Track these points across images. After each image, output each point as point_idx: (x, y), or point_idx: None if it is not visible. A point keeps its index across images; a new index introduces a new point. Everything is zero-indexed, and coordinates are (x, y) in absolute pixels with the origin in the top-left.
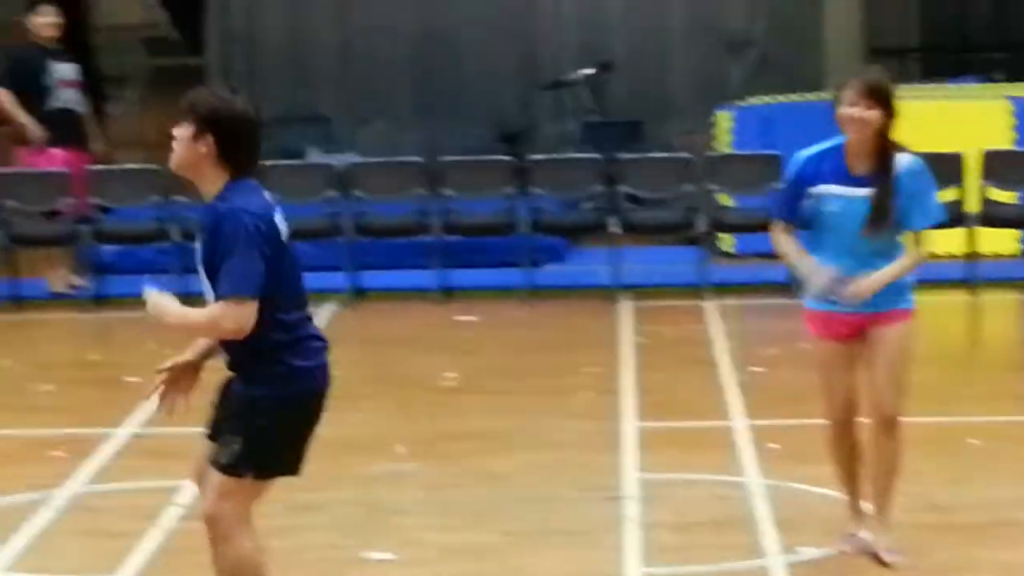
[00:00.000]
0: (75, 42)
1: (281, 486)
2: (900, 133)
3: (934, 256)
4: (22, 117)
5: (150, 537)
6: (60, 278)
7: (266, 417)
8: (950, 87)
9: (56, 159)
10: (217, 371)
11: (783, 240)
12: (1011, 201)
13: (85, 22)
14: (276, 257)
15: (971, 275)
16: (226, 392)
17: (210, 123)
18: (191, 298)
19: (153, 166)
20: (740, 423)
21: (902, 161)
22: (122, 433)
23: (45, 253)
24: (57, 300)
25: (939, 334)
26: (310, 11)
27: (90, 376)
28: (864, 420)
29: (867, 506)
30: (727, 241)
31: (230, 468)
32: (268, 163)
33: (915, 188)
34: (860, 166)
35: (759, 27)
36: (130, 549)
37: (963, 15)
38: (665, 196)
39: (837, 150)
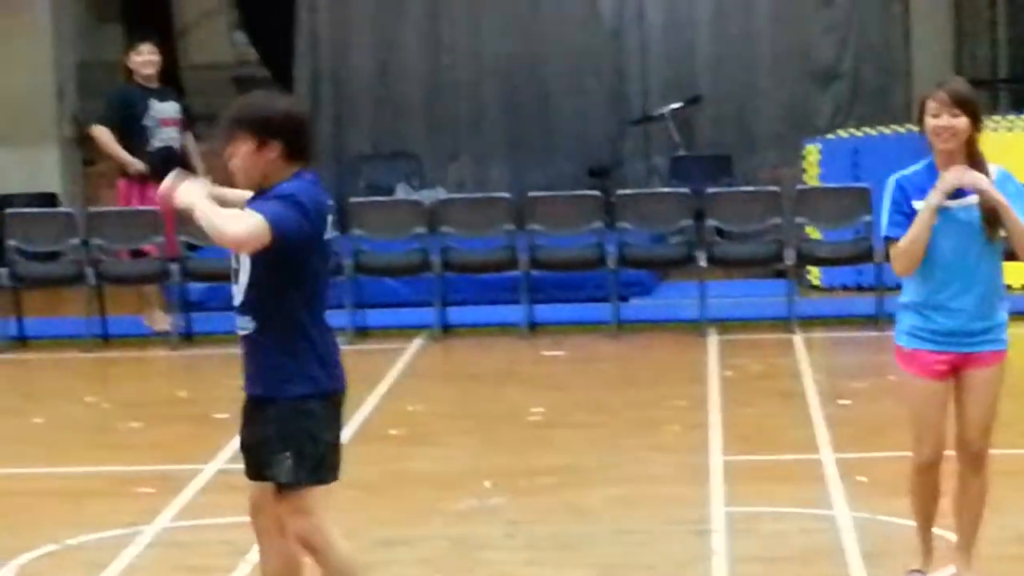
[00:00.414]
0: (165, 81)
1: (369, 522)
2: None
3: (1013, 288)
4: (120, 153)
5: (239, 572)
6: (159, 317)
7: (310, 418)
8: None
9: (154, 198)
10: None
11: (902, 247)
12: None
13: (175, 61)
14: (315, 249)
15: None
16: (254, 415)
17: (269, 130)
18: None
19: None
20: (827, 456)
21: (991, 169)
22: (210, 469)
23: (142, 291)
24: (145, 337)
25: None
26: (399, 49)
27: (178, 413)
28: (950, 454)
29: (946, 541)
30: (815, 274)
31: (291, 484)
32: (357, 200)
33: (1010, 192)
34: None
35: (847, 59)
36: None
37: None
38: (753, 229)
39: (929, 168)
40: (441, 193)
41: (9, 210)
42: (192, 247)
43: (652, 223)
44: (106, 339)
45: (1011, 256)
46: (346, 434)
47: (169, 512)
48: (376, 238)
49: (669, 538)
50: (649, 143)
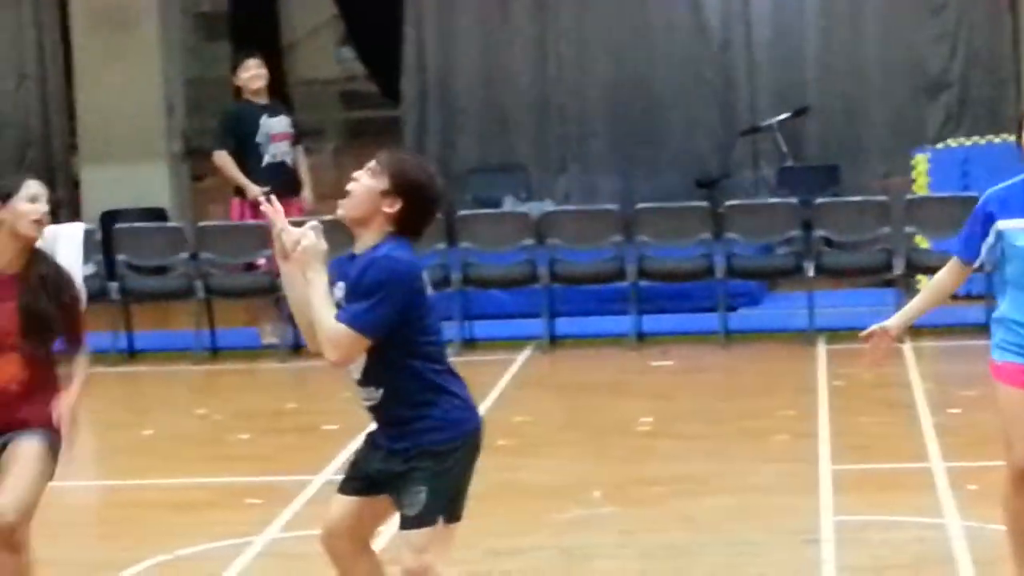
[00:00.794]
0: (274, 96)
1: (480, 532)
2: None
3: None
4: (239, 179)
5: None
6: (271, 331)
7: (452, 460)
8: None
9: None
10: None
11: (938, 277)
12: None
13: (283, 77)
14: (423, 310)
15: None
16: (382, 445)
17: (407, 190)
18: None
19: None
20: (937, 465)
21: None
22: (319, 480)
23: (255, 305)
24: (253, 350)
25: None
26: (505, 61)
27: (287, 424)
28: None
29: None
30: (924, 283)
31: (421, 519)
32: (465, 212)
33: None
34: None
35: (956, 68)
36: None
37: None
38: (861, 239)
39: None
40: (549, 205)
41: (118, 225)
42: None
43: (760, 234)
44: (215, 352)
45: None
46: None
47: (278, 523)
48: (484, 250)
49: (778, 547)
50: (757, 154)
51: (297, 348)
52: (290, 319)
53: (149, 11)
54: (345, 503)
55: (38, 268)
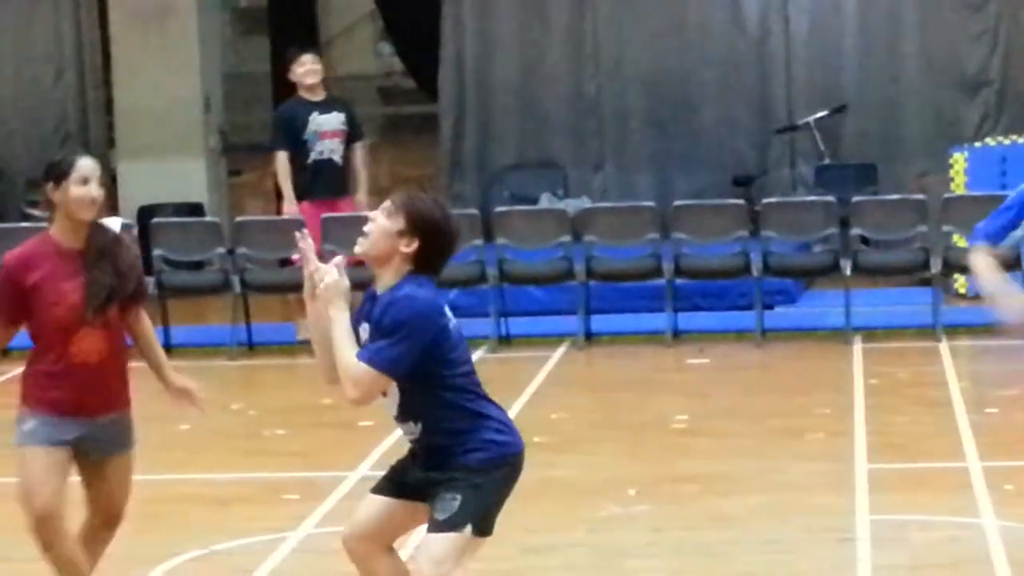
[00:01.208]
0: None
1: (514, 528)
2: None
3: None
4: (284, 187)
5: None
6: (303, 325)
7: (488, 476)
8: None
9: (304, 212)
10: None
11: (981, 259)
12: None
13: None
14: (448, 344)
15: None
16: (423, 459)
17: (424, 231)
18: None
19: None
20: (974, 464)
21: None
22: (354, 476)
23: (293, 300)
24: (290, 345)
25: None
26: (543, 58)
27: (323, 420)
28: None
29: None
30: (961, 282)
31: (449, 523)
32: (502, 209)
33: None
34: None
35: (995, 66)
36: None
37: None
38: (898, 238)
39: None
40: (585, 202)
41: (155, 220)
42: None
43: (797, 231)
44: (251, 347)
45: None
46: None
47: (314, 519)
48: (520, 247)
49: (814, 546)
50: (794, 152)
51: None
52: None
53: (187, 6)
54: (377, 504)
55: (98, 241)
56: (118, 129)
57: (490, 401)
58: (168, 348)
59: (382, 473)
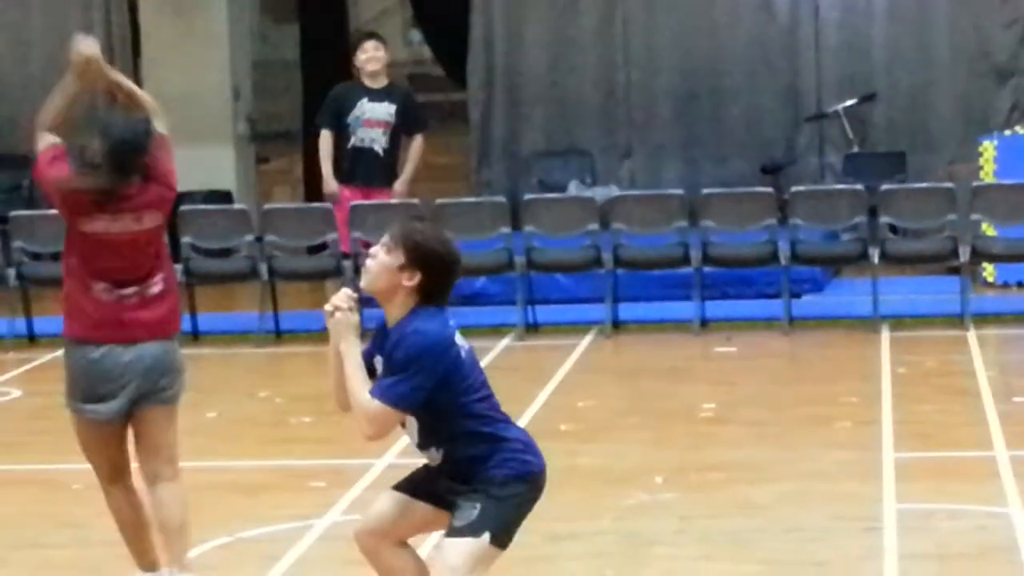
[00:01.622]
0: (341, 80)
1: (540, 516)
2: None
3: None
4: (323, 167)
5: None
6: None
7: (510, 490)
8: None
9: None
10: None
11: None
12: None
13: (350, 59)
14: (461, 373)
15: None
16: (448, 476)
17: (423, 262)
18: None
19: (414, 200)
20: (1002, 453)
21: None
22: (381, 464)
23: (320, 287)
24: (317, 332)
25: None
26: (572, 47)
27: None
28: None
29: None
30: (989, 271)
31: (467, 529)
32: (530, 196)
33: None
34: None
35: None
36: None
37: None
38: (927, 226)
39: None
40: (614, 190)
41: (184, 207)
42: (367, 244)
43: (825, 220)
44: (279, 334)
45: None
46: None
47: (340, 506)
48: (548, 235)
49: (840, 535)
50: (823, 140)
51: (362, 332)
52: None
53: None
54: (394, 500)
55: None
56: None
57: (510, 423)
58: (196, 335)
59: (409, 461)
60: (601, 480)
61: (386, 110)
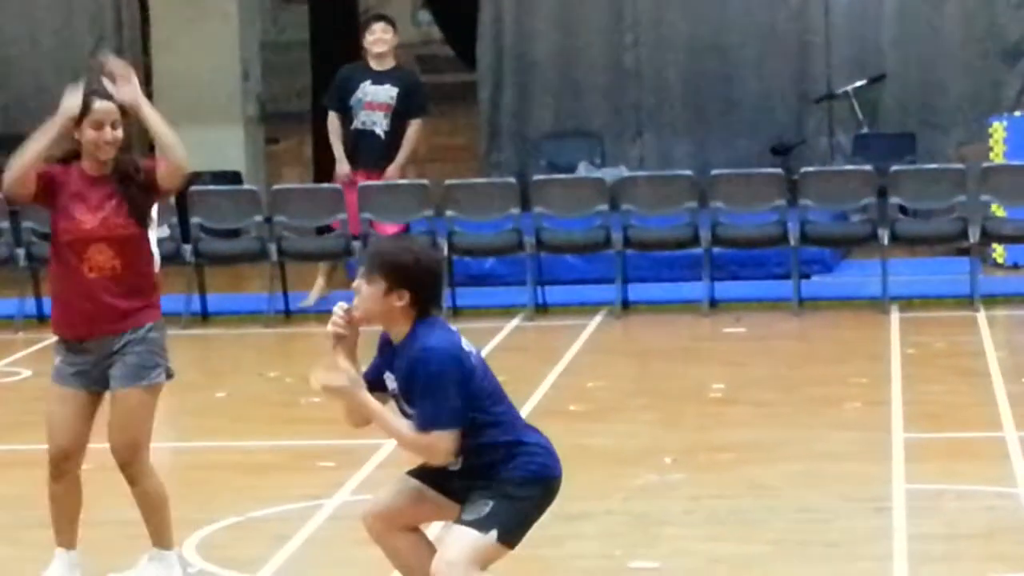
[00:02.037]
0: (350, 60)
1: None
2: None
3: None
4: (334, 148)
5: None
6: (315, 290)
7: (525, 491)
8: None
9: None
10: None
11: None
12: None
13: (359, 40)
14: (475, 382)
15: None
16: (465, 475)
17: (406, 280)
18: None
19: (423, 181)
20: (1011, 434)
21: None
22: (390, 444)
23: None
24: (326, 313)
25: None
26: (582, 27)
27: None
28: None
29: None
30: (999, 252)
31: (476, 523)
32: (539, 177)
33: None
34: None
35: None
36: None
37: None
38: (937, 207)
39: None
40: (623, 171)
41: (193, 188)
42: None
43: (835, 201)
44: (288, 315)
45: None
46: (526, 410)
47: (349, 486)
48: (558, 215)
49: (849, 515)
50: (832, 121)
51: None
52: None
53: None
54: (407, 486)
55: (121, 164)
56: (156, 98)
57: (528, 426)
58: (205, 316)
59: None
60: (611, 460)
61: (387, 93)
